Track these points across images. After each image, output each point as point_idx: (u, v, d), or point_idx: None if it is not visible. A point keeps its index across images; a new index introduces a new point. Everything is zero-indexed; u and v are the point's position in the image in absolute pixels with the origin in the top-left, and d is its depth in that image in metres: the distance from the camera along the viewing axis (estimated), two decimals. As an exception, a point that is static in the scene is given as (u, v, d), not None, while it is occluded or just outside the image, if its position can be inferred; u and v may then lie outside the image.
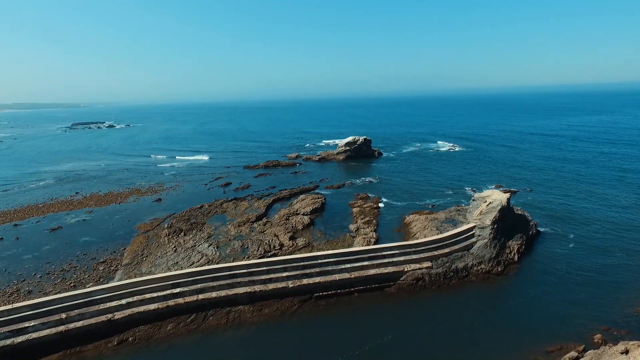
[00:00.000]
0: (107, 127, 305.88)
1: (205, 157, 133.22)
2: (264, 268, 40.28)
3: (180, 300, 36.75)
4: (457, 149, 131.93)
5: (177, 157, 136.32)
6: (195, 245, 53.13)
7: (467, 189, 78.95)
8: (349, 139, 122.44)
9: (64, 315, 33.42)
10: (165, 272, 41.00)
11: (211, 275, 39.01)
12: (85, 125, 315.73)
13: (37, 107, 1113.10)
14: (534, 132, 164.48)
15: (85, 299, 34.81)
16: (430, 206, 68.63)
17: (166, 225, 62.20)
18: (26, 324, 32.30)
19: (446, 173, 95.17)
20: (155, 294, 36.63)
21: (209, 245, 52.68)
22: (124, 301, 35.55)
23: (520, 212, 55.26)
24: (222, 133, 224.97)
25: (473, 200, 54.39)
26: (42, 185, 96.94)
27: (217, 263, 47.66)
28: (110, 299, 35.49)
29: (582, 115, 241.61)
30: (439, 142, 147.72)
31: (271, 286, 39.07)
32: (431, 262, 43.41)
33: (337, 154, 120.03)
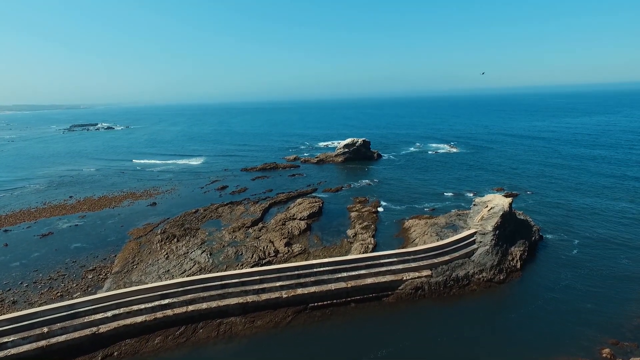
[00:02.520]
0: (105, 128, 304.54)
1: (202, 159, 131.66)
2: (257, 277, 38.71)
3: (169, 312, 35.22)
4: (456, 150, 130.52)
5: (174, 160, 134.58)
6: (188, 252, 51.61)
7: (467, 192, 77.41)
8: (348, 140, 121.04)
9: (45, 329, 31.87)
10: (153, 283, 39.46)
11: (202, 285, 37.46)
12: (84, 127, 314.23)
13: (37, 108, 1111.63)
14: (534, 134, 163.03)
15: (69, 312, 33.26)
16: (430, 210, 67.07)
17: (159, 231, 60.65)
18: (5, 339, 30.73)
19: (446, 175, 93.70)
20: (142, 306, 35.08)
21: (202, 252, 51.15)
22: (109, 313, 34.00)
23: (522, 217, 53.71)
24: (220, 134, 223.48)
25: (474, 204, 52.84)
26: (36, 189, 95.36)
27: (210, 271, 46.25)
28: (95, 312, 33.94)
29: (582, 116, 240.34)
30: (438, 144, 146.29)
31: (264, 296, 37.52)
32: (431, 270, 41.87)
33: (336, 155, 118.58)
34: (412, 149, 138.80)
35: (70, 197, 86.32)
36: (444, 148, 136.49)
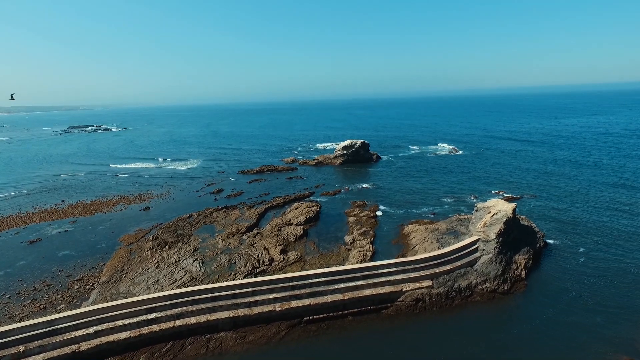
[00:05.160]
0: (103, 130, 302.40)
1: (198, 162, 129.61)
2: (249, 289, 36.78)
3: (155, 328, 33.26)
4: (456, 152, 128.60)
5: (169, 162, 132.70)
6: (179, 261, 49.67)
7: (467, 196, 75.49)
8: (346, 142, 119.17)
9: (21, 348, 29.92)
10: (139, 296, 37.47)
11: (190, 298, 35.52)
12: (81, 129, 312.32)
13: (36, 110, 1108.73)
14: (533, 135, 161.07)
15: (48, 328, 31.31)
16: (431, 214, 65.17)
17: (151, 237, 58.67)
18: (-23, 360, 28.86)
19: (446, 178, 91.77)
20: (127, 321, 33.13)
21: (194, 261, 49.22)
22: (91, 329, 32.04)
23: (526, 223, 51.82)
24: (217, 136, 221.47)
25: (476, 210, 50.93)
26: (28, 193, 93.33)
27: (201, 280, 44.39)
28: (76, 328, 31.98)
29: (584, 117, 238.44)
30: (438, 145, 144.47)
31: (256, 310, 35.59)
32: (432, 280, 39.96)
33: (334, 158, 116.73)
34: (411, 150, 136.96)
35: (62, 201, 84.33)
36: (443, 150, 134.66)
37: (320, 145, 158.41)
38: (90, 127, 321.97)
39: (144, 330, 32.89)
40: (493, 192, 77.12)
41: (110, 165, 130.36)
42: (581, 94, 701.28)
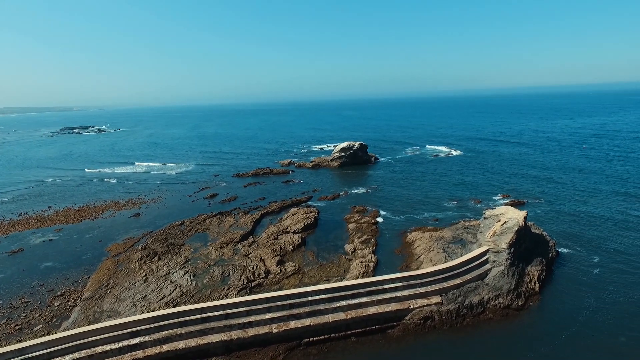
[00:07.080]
0: (96, 131, 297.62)
1: (192, 165, 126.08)
2: (243, 309, 33.70)
3: (140, 354, 30.13)
4: (456, 153, 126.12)
5: (163, 165, 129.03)
6: (169, 274, 46.52)
7: (470, 200, 72.76)
8: (344, 144, 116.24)
9: (-13, 382, 26.77)
10: (122, 318, 34.24)
11: (179, 320, 32.39)
12: (74, 130, 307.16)
13: (29, 110, 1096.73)
14: (535, 136, 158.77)
15: (18, 358, 28.07)
16: (434, 220, 62.33)
17: (140, 247, 55.45)
18: None
19: (447, 181, 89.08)
20: (108, 347, 29.97)
21: (185, 273, 46.07)
22: (67, 358, 28.86)
23: (537, 231, 49.13)
24: (214, 138, 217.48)
25: (484, 218, 48.16)
26: (13, 198, 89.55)
27: (192, 296, 41.37)
28: (50, 356, 28.78)
29: (585, 117, 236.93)
30: (438, 147, 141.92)
31: (251, 332, 32.54)
32: (441, 296, 37.10)
33: (332, 160, 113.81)
34: (411, 152, 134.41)
35: (49, 207, 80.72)
36: (442, 151, 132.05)
37: (316, 147, 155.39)
38: (83, 129, 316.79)
39: (127, 357, 29.74)
40: (494, 196, 74.47)
41: (102, 169, 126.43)
42: (581, 94, 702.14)
